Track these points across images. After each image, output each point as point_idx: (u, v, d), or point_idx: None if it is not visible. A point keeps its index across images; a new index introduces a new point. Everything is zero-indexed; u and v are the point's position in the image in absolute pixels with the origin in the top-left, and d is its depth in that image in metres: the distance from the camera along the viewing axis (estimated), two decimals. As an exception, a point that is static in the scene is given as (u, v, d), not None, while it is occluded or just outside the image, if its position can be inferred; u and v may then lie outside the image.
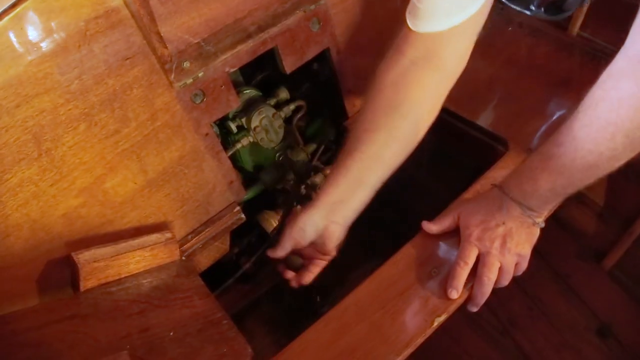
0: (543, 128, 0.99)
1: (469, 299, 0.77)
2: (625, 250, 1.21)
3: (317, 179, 1.08)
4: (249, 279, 1.15)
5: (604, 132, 0.64)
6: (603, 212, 1.23)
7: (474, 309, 0.78)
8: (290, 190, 1.07)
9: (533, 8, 0.63)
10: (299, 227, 0.80)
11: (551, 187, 0.71)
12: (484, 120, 1.03)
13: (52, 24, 0.64)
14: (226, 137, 0.94)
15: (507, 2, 0.64)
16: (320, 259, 0.85)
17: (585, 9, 1.11)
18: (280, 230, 0.93)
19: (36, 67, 0.64)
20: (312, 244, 0.82)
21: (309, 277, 0.86)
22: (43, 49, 0.64)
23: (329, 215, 0.79)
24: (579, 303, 1.25)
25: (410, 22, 0.77)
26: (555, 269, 1.29)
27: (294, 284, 0.88)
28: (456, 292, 0.75)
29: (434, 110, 0.82)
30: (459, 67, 0.81)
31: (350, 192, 0.79)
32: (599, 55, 1.08)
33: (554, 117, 1.01)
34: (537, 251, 0.78)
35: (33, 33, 0.63)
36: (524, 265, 0.78)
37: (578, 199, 1.25)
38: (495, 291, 0.77)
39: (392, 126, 0.78)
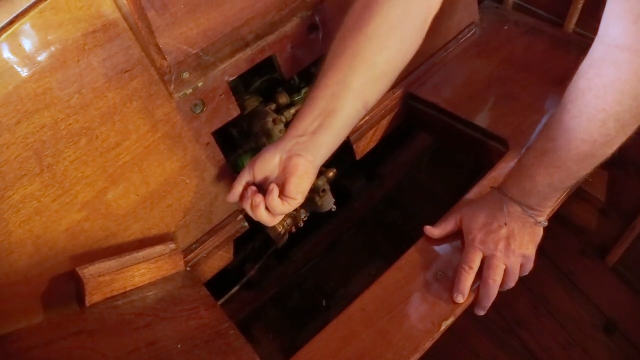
0: (540, 126, 0.99)
1: (475, 302, 0.77)
2: (628, 246, 1.21)
3: (320, 181, 1.08)
4: (253, 285, 1.15)
5: (594, 119, 0.65)
6: (605, 208, 1.23)
7: (481, 313, 0.78)
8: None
9: None
10: (261, 158, 0.71)
11: (549, 182, 0.72)
12: (483, 120, 1.03)
13: (50, 38, 0.64)
14: (227, 145, 0.94)
15: None
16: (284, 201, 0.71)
17: (580, 5, 1.11)
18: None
19: (35, 82, 0.64)
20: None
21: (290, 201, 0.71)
22: (42, 65, 0.64)
23: (294, 148, 0.70)
24: (583, 300, 1.25)
25: None
26: (559, 267, 1.29)
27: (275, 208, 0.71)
28: (462, 297, 0.75)
29: (408, 37, 0.73)
30: (429, 6, 0.73)
31: (317, 123, 0.70)
32: (596, 52, 1.08)
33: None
34: (541, 249, 0.78)
35: (31, 49, 0.63)
36: (530, 266, 0.78)
37: (580, 195, 1.24)
38: (500, 291, 0.77)
39: (356, 48, 0.70)
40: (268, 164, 0.71)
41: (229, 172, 0.88)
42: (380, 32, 0.70)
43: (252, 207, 0.71)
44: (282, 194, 0.70)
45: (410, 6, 0.72)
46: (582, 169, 0.70)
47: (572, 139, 0.67)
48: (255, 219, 0.73)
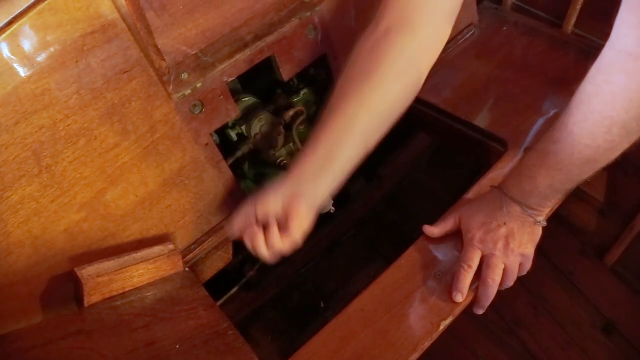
0: (537, 126, 0.99)
1: (474, 302, 0.77)
2: (627, 246, 1.21)
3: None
4: (252, 286, 1.15)
5: (600, 125, 0.64)
6: (603, 208, 1.23)
7: (480, 312, 0.78)
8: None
9: None
10: (264, 198, 0.71)
11: (550, 183, 0.72)
12: (482, 120, 1.03)
13: (49, 39, 0.64)
14: (226, 146, 0.94)
15: None
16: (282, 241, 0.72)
17: (578, 6, 1.12)
18: None
19: (34, 83, 0.64)
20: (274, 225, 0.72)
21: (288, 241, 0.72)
22: (40, 65, 0.64)
23: (296, 189, 0.71)
24: (582, 300, 1.25)
25: None
26: (558, 267, 1.29)
27: (274, 245, 0.73)
28: (461, 296, 0.75)
29: (411, 84, 0.76)
30: (437, 36, 0.76)
31: (320, 167, 0.72)
32: (594, 52, 1.07)
33: (551, 115, 1.02)
34: (540, 249, 0.78)
35: (30, 49, 0.63)
36: (528, 265, 0.78)
37: (578, 195, 1.25)
38: (499, 291, 0.77)
39: (361, 97, 0.73)
40: (270, 203, 0.71)
41: (228, 173, 0.88)
42: (385, 82, 0.73)
43: (252, 238, 0.72)
44: (282, 232, 0.71)
45: (414, 56, 0.74)
46: (584, 173, 0.70)
47: (575, 142, 0.67)
48: (254, 252, 0.73)
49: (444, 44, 0.77)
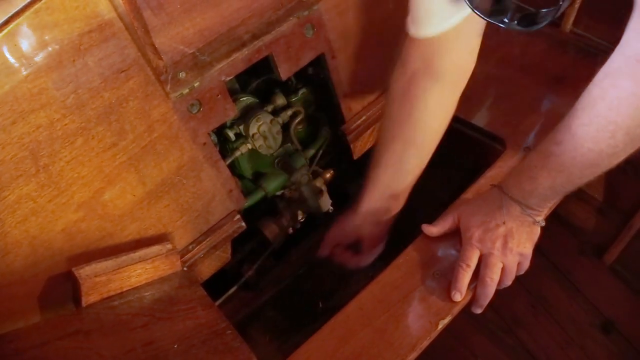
0: (538, 126, 0.99)
1: (472, 301, 0.77)
2: (626, 245, 1.21)
3: (318, 183, 1.08)
4: (251, 286, 1.15)
5: (604, 130, 0.64)
6: (602, 208, 1.23)
7: (478, 311, 0.78)
8: (290, 196, 1.07)
9: (507, 20, 0.64)
10: (344, 228, 0.96)
11: (551, 185, 0.71)
12: (481, 119, 1.04)
13: (46, 38, 0.64)
14: (224, 145, 0.94)
15: (483, 16, 0.65)
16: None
17: (577, 5, 1.12)
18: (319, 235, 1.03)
19: (31, 82, 0.64)
20: (350, 249, 0.98)
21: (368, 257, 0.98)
22: (38, 65, 0.64)
23: (370, 220, 0.93)
24: (581, 299, 1.25)
25: (408, 28, 0.80)
26: (557, 266, 1.29)
27: (354, 262, 0.99)
28: (459, 295, 0.75)
29: (444, 119, 0.88)
30: (460, 75, 0.84)
31: (383, 200, 0.91)
32: (592, 52, 1.09)
33: (550, 115, 1.02)
34: (538, 248, 0.78)
35: (27, 49, 0.63)
36: (526, 265, 0.78)
37: (577, 195, 1.24)
38: (498, 290, 0.77)
39: (406, 137, 0.87)
40: (349, 235, 0.97)
41: (226, 172, 0.88)
42: (422, 121, 0.86)
43: (341, 259, 1.00)
44: (358, 254, 0.98)
45: (441, 96, 0.85)
46: (585, 176, 0.69)
47: (578, 146, 0.66)
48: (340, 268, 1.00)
49: (470, 73, 0.85)
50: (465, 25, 0.76)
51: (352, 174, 1.35)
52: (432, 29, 0.77)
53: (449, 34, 0.76)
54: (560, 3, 0.60)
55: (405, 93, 0.85)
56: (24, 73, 0.63)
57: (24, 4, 0.61)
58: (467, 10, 0.73)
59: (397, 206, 0.93)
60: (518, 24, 0.63)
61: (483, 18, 0.65)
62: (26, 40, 0.63)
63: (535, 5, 0.64)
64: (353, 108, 1.03)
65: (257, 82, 0.97)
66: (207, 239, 0.89)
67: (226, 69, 0.80)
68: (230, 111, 0.84)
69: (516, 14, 0.63)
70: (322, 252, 1.00)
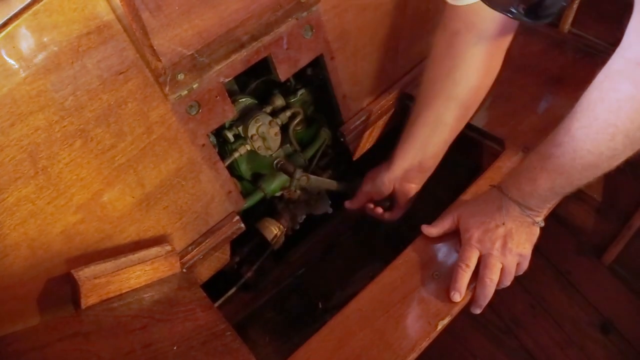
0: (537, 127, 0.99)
1: (471, 301, 0.77)
2: (625, 245, 1.21)
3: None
4: (250, 287, 1.15)
5: (603, 133, 0.64)
6: (601, 208, 1.23)
7: (478, 311, 0.78)
8: (289, 198, 1.07)
9: (514, 10, 0.63)
10: (377, 184, 0.97)
11: (550, 186, 0.71)
12: (479, 120, 1.03)
13: (45, 40, 0.63)
14: (223, 147, 0.94)
15: (490, 5, 0.64)
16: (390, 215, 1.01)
17: (575, 5, 1.12)
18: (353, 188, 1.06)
19: (30, 84, 0.64)
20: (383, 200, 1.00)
21: (399, 212, 1.00)
22: (36, 66, 0.64)
23: (404, 178, 0.95)
24: (580, 299, 1.25)
25: None
26: (556, 266, 1.29)
27: (387, 217, 1.01)
28: (459, 295, 0.75)
29: (486, 77, 0.88)
30: (502, 36, 0.84)
31: (420, 156, 0.93)
32: (591, 52, 1.09)
33: (549, 115, 1.02)
34: (537, 248, 0.78)
35: (26, 51, 0.63)
36: (525, 265, 0.78)
37: (576, 195, 1.24)
38: (497, 290, 0.77)
39: (447, 92, 0.87)
40: (384, 189, 0.98)
41: (225, 174, 0.88)
42: (465, 77, 0.86)
43: (373, 212, 1.02)
44: (392, 208, 1.01)
45: (484, 51, 0.84)
46: (585, 178, 0.69)
47: (578, 148, 0.66)
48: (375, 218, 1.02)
49: (509, 41, 0.85)
50: None
51: (351, 174, 1.35)
52: None
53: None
54: None
55: (448, 50, 0.85)
56: (23, 75, 0.63)
57: (22, 5, 0.61)
58: None
59: (433, 164, 0.94)
60: (525, 14, 0.63)
61: (491, 7, 0.65)
62: (25, 42, 0.63)
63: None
64: (352, 109, 1.03)
65: (256, 83, 0.97)
66: (206, 241, 0.89)
67: (225, 70, 0.80)
68: (229, 112, 0.84)
69: (521, 3, 0.62)
70: (353, 205, 1.03)
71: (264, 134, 0.95)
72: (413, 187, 0.97)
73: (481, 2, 0.74)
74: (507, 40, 0.85)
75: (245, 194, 0.98)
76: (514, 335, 1.26)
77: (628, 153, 0.65)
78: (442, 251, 0.82)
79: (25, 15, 0.61)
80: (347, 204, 1.03)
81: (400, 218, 1.01)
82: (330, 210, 1.13)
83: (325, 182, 1.07)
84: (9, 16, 0.61)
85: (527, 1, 0.62)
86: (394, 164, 0.95)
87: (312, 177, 1.02)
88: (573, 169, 0.68)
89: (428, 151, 0.92)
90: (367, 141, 1.10)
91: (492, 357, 1.24)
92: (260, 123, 0.94)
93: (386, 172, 0.96)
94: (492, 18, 0.80)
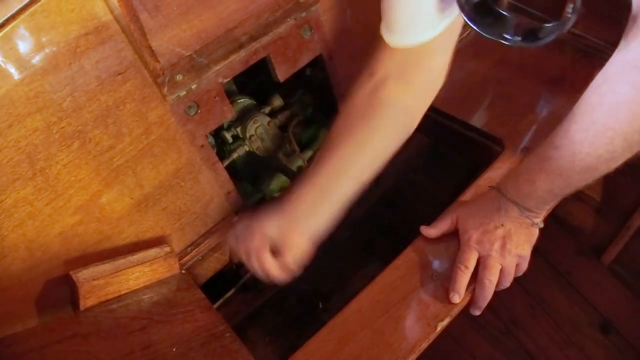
0: (536, 127, 0.99)
1: (471, 302, 0.77)
2: (624, 245, 1.21)
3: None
4: (249, 288, 1.15)
5: (602, 136, 0.63)
6: (600, 208, 1.23)
7: (477, 312, 0.77)
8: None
9: (509, 37, 0.63)
10: (261, 225, 0.74)
11: (549, 188, 0.71)
12: (478, 120, 1.03)
13: (43, 41, 0.63)
14: (222, 148, 0.94)
15: (480, 32, 0.63)
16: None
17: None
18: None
19: (27, 85, 0.64)
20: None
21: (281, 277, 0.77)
22: (34, 67, 0.64)
23: (292, 226, 0.74)
24: (580, 300, 1.25)
25: (385, 37, 0.77)
26: (555, 267, 1.29)
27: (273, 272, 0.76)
28: (458, 297, 0.75)
29: (405, 128, 0.81)
30: (433, 85, 0.81)
31: (315, 207, 0.76)
32: (590, 52, 1.09)
33: (548, 115, 1.01)
34: (537, 249, 0.78)
35: (23, 51, 0.63)
36: (525, 266, 0.78)
37: (575, 195, 1.24)
38: (496, 291, 0.77)
39: (359, 140, 0.77)
40: (267, 231, 0.74)
41: (224, 174, 0.88)
42: (381, 127, 0.78)
43: (256, 262, 0.75)
44: (278, 261, 0.75)
45: (409, 105, 0.79)
46: (584, 180, 0.69)
47: (576, 151, 0.66)
48: (255, 272, 0.77)
49: (437, 90, 0.81)
50: (443, 38, 0.74)
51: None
52: (414, 38, 0.74)
53: (429, 45, 0.74)
54: (568, 16, 0.59)
55: (371, 97, 0.78)
56: (20, 76, 0.63)
57: (20, 6, 0.61)
58: (448, 21, 0.73)
59: (330, 213, 0.76)
60: (522, 40, 0.62)
61: (484, 34, 0.63)
62: (22, 43, 0.62)
63: (531, 5, 0.64)
64: (351, 109, 1.03)
65: (254, 83, 0.97)
66: (206, 241, 0.89)
67: (223, 70, 0.80)
68: (228, 113, 0.84)
69: (518, 28, 0.62)
70: (234, 249, 0.78)
71: (263, 135, 0.95)
72: (301, 241, 0.74)
73: (421, 47, 0.74)
74: (431, 97, 0.81)
75: (244, 195, 0.97)
76: (513, 336, 1.25)
77: (627, 156, 0.64)
78: (442, 252, 0.81)
79: (22, 16, 0.61)
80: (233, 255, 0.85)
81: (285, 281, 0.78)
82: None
83: None
84: (6, 17, 0.61)
85: (523, 27, 0.62)
86: (284, 207, 0.75)
87: None
88: (571, 171, 0.68)
89: (326, 204, 0.76)
90: (367, 141, 1.10)
91: (492, 358, 1.24)
92: (258, 124, 0.94)
93: (273, 215, 0.74)
94: (426, 69, 0.77)
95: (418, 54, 0.76)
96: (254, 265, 0.75)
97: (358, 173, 0.77)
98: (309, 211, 0.75)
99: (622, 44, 0.62)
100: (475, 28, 0.63)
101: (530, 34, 0.62)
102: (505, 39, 0.63)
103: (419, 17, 0.72)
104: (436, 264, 0.80)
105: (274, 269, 0.74)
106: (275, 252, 0.74)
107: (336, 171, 0.76)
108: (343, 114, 0.80)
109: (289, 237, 0.74)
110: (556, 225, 1.28)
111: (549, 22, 0.61)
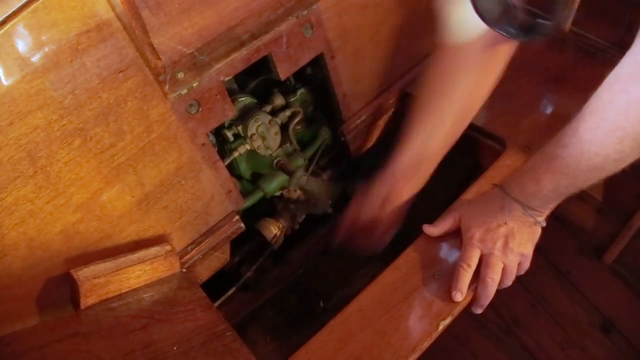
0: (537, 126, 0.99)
1: (473, 301, 0.77)
2: (626, 244, 1.21)
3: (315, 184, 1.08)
4: (250, 287, 1.14)
5: (611, 135, 0.63)
6: (602, 207, 1.23)
7: (479, 311, 0.77)
8: (289, 197, 1.07)
9: (513, 31, 0.64)
10: (359, 213, 0.93)
11: (554, 187, 0.71)
12: (479, 119, 1.03)
13: (43, 38, 0.63)
14: (223, 146, 0.93)
15: (489, 25, 0.65)
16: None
17: (576, 4, 1.11)
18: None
19: (28, 83, 0.63)
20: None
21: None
22: (35, 65, 0.63)
23: (400, 179, 0.89)
24: (581, 299, 1.25)
25: (447, 40, 0.84)
26: (557, 266, 1.29)
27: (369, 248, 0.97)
28: (460, 295, 0.75)
29: (479, 100, 0.89)
30: (503, 63, 0.87)
31: (417, 156, 0.89)
32: (592, 51, 1.08)
33: (550, 114, 1.01)
34: (538, 248, 0.78)
35: (24, 49, 0.62)
36: (527, 265, 0.78)
37: (577, 195, 1.24)
38: (498, 290, 0.77)
39: (448, 93, 0.87)
40: (372, 208, 0.92)
41: (225, 173, 0.88)
42: (466, 80, 0.86)
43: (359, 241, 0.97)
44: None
45: (489, 53, 0.84)
46: (590, 180, 0.69)
47: (585, 150, 0.66)
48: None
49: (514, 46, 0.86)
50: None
51: (351, 174, 1.35)
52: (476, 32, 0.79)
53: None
54: (559, 13, 0.60)
55: (452, 56, 0.85)
56: (22, 73, 0.63)
57: (20, 3, 0.61)
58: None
59: (430, 166, 0.91)
60: (525, 34, 0.63)
61: (490, 27, 0.65)
62: (23, 41, 0.62)
63: (532, 3, 0.65)
64: (352, 108, 1.03)
65: (256, 82, 0.97)
66: (206, 240, 0.88)
67: (225, 69, 0.80)
68: (229, 111, 0.83)
69: (524, 24, 0.63)
70: (337, 237, 0.98)
71: (264, 134, 0.95)
72: (407, 192, 0.91)
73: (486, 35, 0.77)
74: (510, 46, 0.85)
75: (245, 194, 0.97)
76: (514, 335, 1.25)
77: (635, 156, 0.64)
78: (444, 251, 0.81)
79: (24, 13, 0.61)
80: (333, 241, 0.99)
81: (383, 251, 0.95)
82: (330, 210, 1.12)
83: (324, 187, 1.06)
84: (7, 14, 0.60)
85: (529, 23, 0.62)
86: (381, 182, 0.91)
87: (312, 178, 1.01)
88: (578, 170, 0.68)
89: (428, 151, 0.89)
90: (368, 140, 1.10)
91: (493, 357, 1.24)
92: (259, 122, 0.93)
93: (369, 197, 0.92)
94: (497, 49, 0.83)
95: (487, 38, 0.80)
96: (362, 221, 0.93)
97: (452, 120, 0.89)
98: (411, 169, 0.89)
99: (635, 45, 0.62)
100: (482, 20, 0.65)
101: (530, 29, 0.63)
102: (509, 33, 0.64)
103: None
104: (438, 263, 0.80)
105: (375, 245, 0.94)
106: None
107: (432, 123, 0.88)
108: (430, 69, 0.89)
109: (396, 191, 0.89)
110: (557, 225, 1.28)
111: (546, 19, 0.62)
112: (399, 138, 0.91)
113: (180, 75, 0.74)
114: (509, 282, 0.77)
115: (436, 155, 0.90)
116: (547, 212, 0.76)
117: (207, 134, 0.83)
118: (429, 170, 0.91)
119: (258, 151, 0.96)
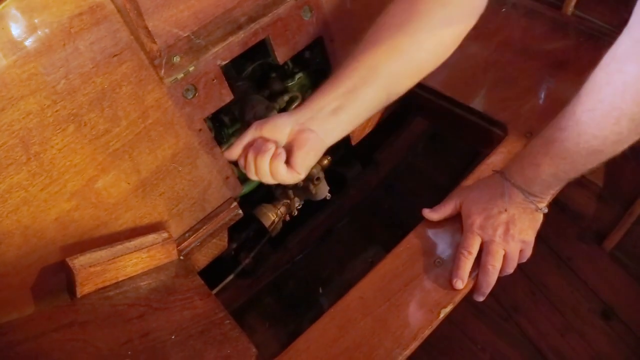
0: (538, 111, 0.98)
1: (474, 289, 0.76)
2: (626, 231, 1.21)
3: (314, 169, 1.07)
4: (248, 274, 1.14)
5: (608, 116, 0.62)
6: (602, 193, 1.23)
7: (480, 299, 0.77)
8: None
9: None
10: (272, 122, 0.70)
11: (554, 172, 0.70)
12: (481, 104, 1.02)
13: (35, 22, 0.61)
14: (220, 132, 0.92)
15: None
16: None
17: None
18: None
19: (20, 68, 0.62)
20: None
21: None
22: (27, 49, 0.62)
23: (309, 122, 0.69)
24: (581, 285, 1.25)
25: None
26: (557, 252, 1.29)
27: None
28: (461, 283, 0.74)
29: (444, 43, 0.74)
30: (474, 3, 0.74)
31: (338, 103, 0.70)
32: (595, 35, 1.07)
33: (552, 99, 1.00)
34: (538, 235, 0.77)
35: (16, 32, 0.61)
36: (528, 252, 0.77)
37: (577, 181, 1.24)
38: (498, 277, 0.76)
39: (394, 43, 0.71)
40: (278, 130, 0.69)
41: (222, 159, 0.86)
42: (421, 33, 0.72)
43: (256, 158, 0.69)
44: (286, 163, 0.69)
45: (452, 16, 0.73)
46: (589, 163, 0.68)
47: (582, 132, 0.65)
48: (256, 171, 0.70)
49: (479, 15, 0.75)
50: None
51: (349, 159, 1.34)
52: None
53: None
54: None
55: (409, 7, 0.72)
56: (13, 58, 0.61)
57: (11, -15, 0.59)
58: None
59: (350, 119, 0.72)
60: None
61: None
62: (14, 24, 0.61)
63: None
64: (351, 93, 1.01)
65: (253, 66, 0.95)
66: (204, 227, 0.88)
67: (222, 52, 0.78)
68: (226, 96, 0.82)
69: None
70: (231, 151, 0.73)
71: (261, 118, 0.93)
72: (314, 138, 0.69)
73: None
74: (472, 19, 0.75)
75: (243, 180, 0.96)
76: (514, 322, 1.25)
77: (633, 138, 0.63)
78: (444, 238, 0.80)
79: (14, -5, 0.59)
80: (226, 153, 0.74)
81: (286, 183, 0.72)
82: (328, 196, 1.11)
83: (322, 173, 1.04)
84: (-3, -4, 0.59)
85: None
86: (304, 106, 0.72)
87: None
88: (577, 154, 0.67)
89: (351, 100, 0.71)
90: (367, 126, 1.09)
91: (493, 344, 1.24)
92: (257, 107, 0.92)
93: (289, 114, 0.72)
94: None
95: None
96: (261, 166, 0.69)
97: (388, 79, 0.72)
98: (327, 113, 0.70)
99: (630, 23, 0.61)
100: None
101: None
102: None
103: None
104: (439, 251, 0.79)
105: (282, 170, 0.68)
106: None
107: (365, 73, 0.71)
108: (376, 24, 0.74)
109: (301, 137, 0.69)
110: (558, 211, 1.28)
111: None
112: (325, 81, 0.74)
113: (176, 59, 0.73)
114: (510, 269, 0.76)
115: (362, 110, 0.73)
116: (548, 198, 0.75)
117: (204, 120, 0.82)
118: (348, 124, 0.73)
119: (256, 137, 0.94)
